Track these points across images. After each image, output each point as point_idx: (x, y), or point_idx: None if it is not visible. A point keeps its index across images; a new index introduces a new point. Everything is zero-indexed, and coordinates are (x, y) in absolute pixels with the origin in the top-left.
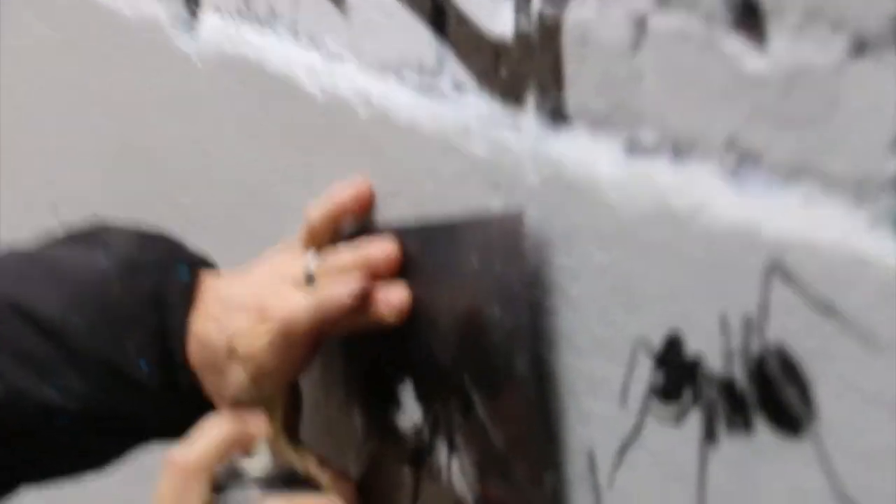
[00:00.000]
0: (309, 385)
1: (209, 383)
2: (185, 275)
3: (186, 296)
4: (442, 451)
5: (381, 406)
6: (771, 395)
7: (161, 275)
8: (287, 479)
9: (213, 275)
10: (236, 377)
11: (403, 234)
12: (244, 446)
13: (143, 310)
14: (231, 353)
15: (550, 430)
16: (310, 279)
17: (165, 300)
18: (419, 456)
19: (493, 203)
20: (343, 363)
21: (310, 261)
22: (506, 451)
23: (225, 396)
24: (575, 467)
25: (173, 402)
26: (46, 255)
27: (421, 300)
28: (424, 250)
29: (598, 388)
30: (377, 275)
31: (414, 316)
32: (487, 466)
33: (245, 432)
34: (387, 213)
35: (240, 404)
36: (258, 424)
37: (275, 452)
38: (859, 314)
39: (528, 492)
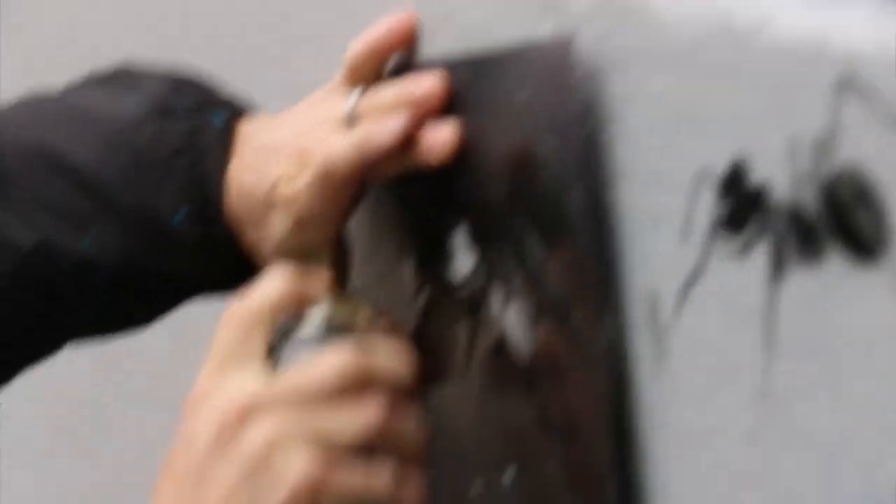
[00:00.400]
0: (358, 237)
1: (249, 236)
2: (220, 121)
3: (223, 143)
4: (496, 300)
5: (433, 256)
6: (843, 221)
7: (196, 120)
8: (349, 329)
9: (251, 121)
10: (277, 226)
11: (450, 69)
12: (307, 299)
13: (177, 158)
14: (271, 201)
15: (609, 272)
16: (351, 120)
17: (201, 147)
18: (473, 306)
19: (541, 29)
20: (393, 212)
21: (351, 100)
22: (562, 296)
23: (266, 249)
24: (635, 311)
25: (211, 256)
26: (76, 101)
27: (469, 138)
28: (472, 85)
29: (659, 224)
30: (423, 112)
31: (462, 156)
32: (543, 314)
33: (306, 288)
34: (432, 46)
35: (282, 257)
36: (320, 281)
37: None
38: None
39: (586, 338)
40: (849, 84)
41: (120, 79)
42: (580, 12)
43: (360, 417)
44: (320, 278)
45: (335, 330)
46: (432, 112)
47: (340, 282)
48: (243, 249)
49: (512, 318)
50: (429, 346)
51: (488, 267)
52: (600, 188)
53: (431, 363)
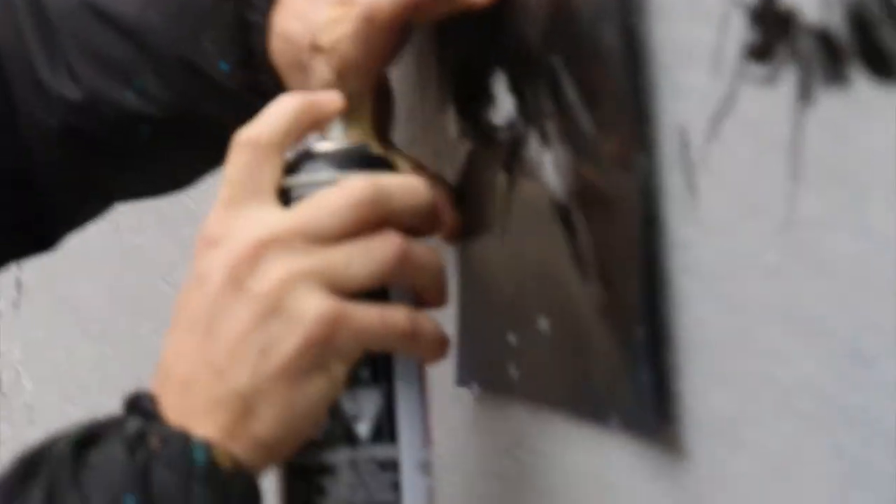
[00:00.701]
0: (402, 90)
1: (294, 83)
2: None
3: None
4: (534, 144)
5: (475, 103)
6: (869, 40)
7: None
8: (365, 160)
9: None
10: (320, 72)
11: None
12: (318, 124)
13: (221, 4)
14: (315, 46)
15: (642, 107)
16: None
17: None
18: (513, 153)
19: None
20: (436, 62)
21: None
22: (597, 134)
23: None
24: (666, 147)
25: (256, 105)
26: None
27: None
28: None
29: (690, 56)
30: None
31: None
32: (580, 154)
33: (318, 109)
34: None
35: None
36: (332, 100)
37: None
38: None
39: (619, 176)
40: None
41: None
42: None
43: (376, 254)
44: (337, 97)
45: (359, 154)
46: None
47: (384, 133)
48: None
49: (549, 162)
50: (471, 195)
51: (526, 111)
52: (634, 22)
53: (473, 213)
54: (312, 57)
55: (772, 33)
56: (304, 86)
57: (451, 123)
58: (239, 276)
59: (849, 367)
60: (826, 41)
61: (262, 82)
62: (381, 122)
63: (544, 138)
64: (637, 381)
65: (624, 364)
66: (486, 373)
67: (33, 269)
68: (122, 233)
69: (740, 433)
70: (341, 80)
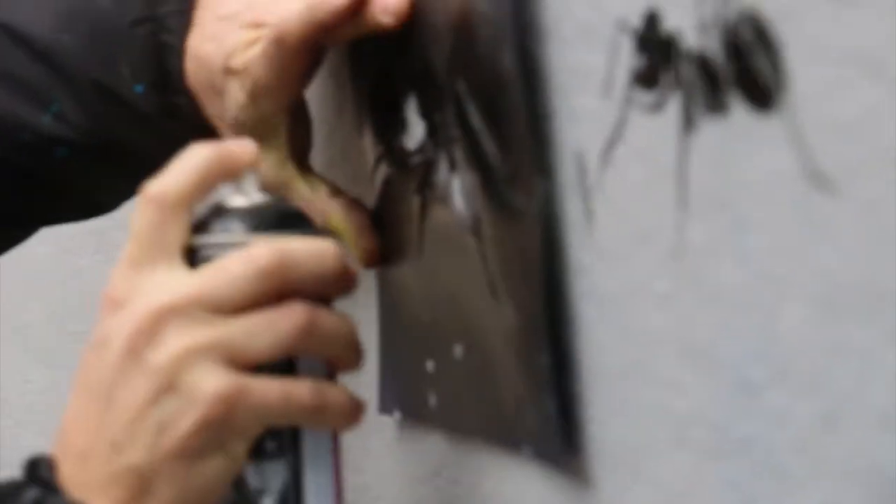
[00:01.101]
0: (322, 111)
1: (210, 107)
2: None
3: (182, 11)
4: (444, 169)
5: (390, 127)
6: (744, 67)
7: None
8: (280, 216)
9: None
10: (234, 95)
11: None
12: (229, 176)
13: (136, 27)
14: (228, 69)
15: (540, 132)
16: None
17: (160, 15)
18: (425, 178)
19: None
20: (352, 84)
21: None
22: (500, 158)
23: (226, 119)
24: (565, 172)
25: (173, 129)
26: None
27: (417, 1)
28: None
29: (584, 80)
30: None
31: (413, 19)
32: (485, 179)
33: (229, 161)
34: None
35: (242, 128)
36: (245, 150)
37: (278, 181)
38: None
39: (521, 201)
40: None
41: None
42: None
43: (280, 326)
44: (250, 147)
45: (274, 211)
46: None
47: (302, 156)
48: (208, 123)
49: (457, 186)
50: (388, 220)
51: (436, 135)
52: (530, 46)
53: (391, 238)
54: (225, 78)
55: (656, 59)
56: (220, 108)
57: (368, 147)
58: (137, 346)
59: (738, 397)
60: (705, 68)
61: (178, 105)
62: (298, 145)
63: (452, 163)
64: (543, 410)
65: (531, 391)
66: (407, 400)
67: None
68: (67, 255)
69: (641, 463)
70: (254, 102)
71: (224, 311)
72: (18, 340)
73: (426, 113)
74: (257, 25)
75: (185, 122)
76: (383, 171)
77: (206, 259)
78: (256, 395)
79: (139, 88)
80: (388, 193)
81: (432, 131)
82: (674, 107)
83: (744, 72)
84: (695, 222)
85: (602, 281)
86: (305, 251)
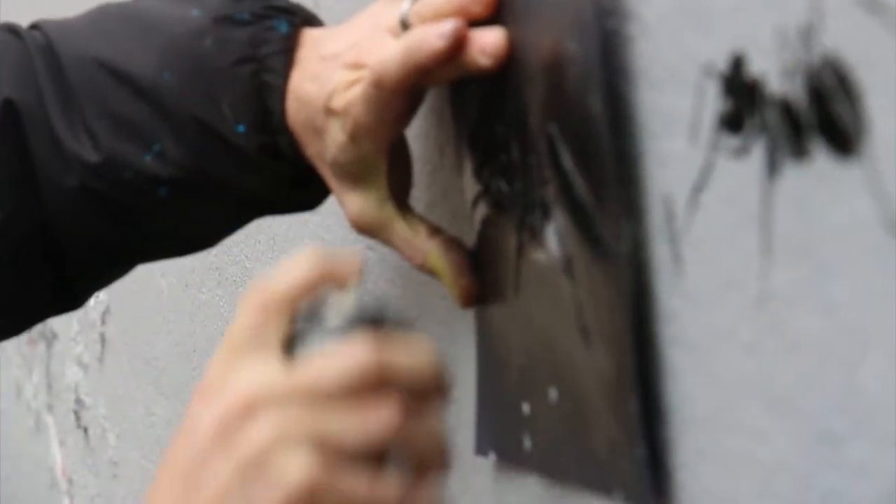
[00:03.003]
0: (425, 151)
1: (310, 146)
2: (283, 28)
3: (285, 51)
4: (539, 212)
5: (488, 166)
6: (826, 112)
7: (258, 28)
8: (381, 315)
9: (315, 30)
10: (334, 136)
11: None
12: (333, 285)
13: (238, 66)
14: (329, 110)
15: (629, 175)
16: (405, 24)
17: (262, 55)
18: (521, 219)
19: None
20: (453, 121)
21: (405, 5)
22: (591, 201)
23: (325, 159)
24: (653, 216)
25: (274, 168)
26: (137, 12)
27: (514, 43)
28: None
29: (671, 123)
30: (472, 17)
31: (509, 62)
32: (577, 221)
33: (335, 272)
34: None
35: (342, 168)
36: (351, 263)
37: (377, 220)
38: None
39: (611, 245)
40: None
41: None
42: None
43: (373, 421)
44: (351, 263)
45: (368, 316)
46: (484, 16)
47: (401, 197)
48: (309, 162)
49: (551, 229)
50: (486, 261)
51: (531, 177)
52: (619, 88)
53: (488, 279)
54: (326, 119)
55: (741, 103)
56: (320, 148)
57: (467, 186)
58: (227, 430)
59: (820, 448)
60: (789, 113)
61: (279, 144)
62: (397, 185)
63: (546, 204)
64: (634, 455)
65: (622, 437)
66: (503, 442)
67: (116, 323)
68: (189, 290)
69: None
70: (354, 142)
71: (319, 401)
72: (147, 373)
73: (522, 153)
74: (358, 66)
75: (285, 160)
76: (482, 210)
77: (304, 354)
78: (343, 488)
79: (241, 128)
80: (486, 233)
81: (528, 172)
82: (758, 151)
83: (826, 117)
84: (779, 269)
85: (690, 327)
86: (404, 349)
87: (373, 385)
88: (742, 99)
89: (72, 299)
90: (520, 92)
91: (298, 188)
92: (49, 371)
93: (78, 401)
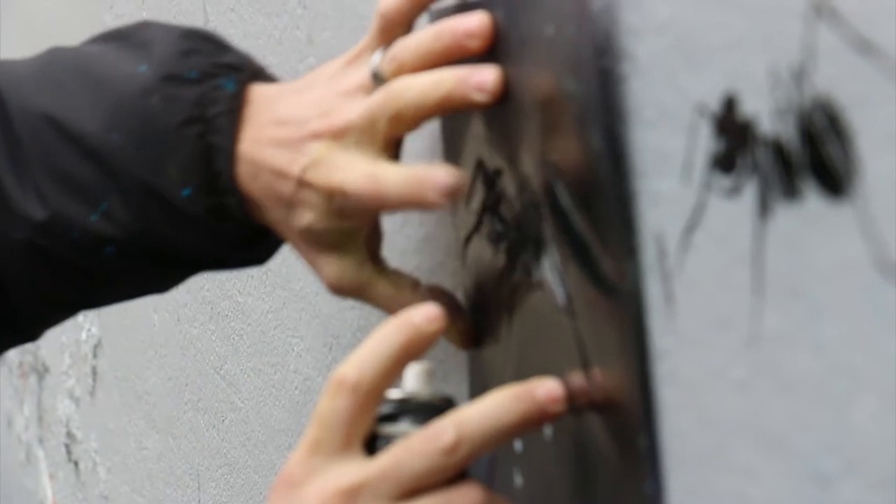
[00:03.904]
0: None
1: (270, 212)
2: (231, 86)
3: (231, 111)
4: (534, 249)
5: (481, 204)
6: (816, 154)
7: (205, 88)
8: (447, 406)
9: (266, 87)
10: (311, 207)
11: (483, 4)
12: (421, 354)
13: (185, 128)
14: (304, 182)
15: (624, 213)
16: (378, 78)
17: (209, 116)
18: (516, 257)
19: None
20: (446, 156)
21: (375, 59)
22: (589, 240)
23: (295, 227)
24: (647, 255)
25: (222, 230)
26: (87, 64)
27: (509, 78)
28: (504, 23)
29: (664, 162)
30: (468, 54)
31: (504, 98)
32: (576, 260)
33: (420, 338)
34: None
35: (317, 236)
36: (433, 321)
37: (359, 284)
38: None
39: (610, 282)
40: (821, 8)
41: (133, 40)
42: None
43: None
44: (435, 321)
45: (435, 403)
46: (480, 49)
47: (376, 253)
48: (262, 221)
49: (548, 266)
50: (480, 300)
51: (526, 214)
52: (616, 127)
53: (483, 318)
54: (300, 190)
55: (733, 143)
56: (284, 215)
57: (460, 224)
58: None
59: (811, 488)
60: (781, 153)
61: (227, 206)
62: (373, 244)
63: (543, 241)
64: (643, 491)
65: (629, 474)
66: (493, 478)
67: (108, 357)
68: (181, 324)
69: None
70: (339, 217)
71: (405, 491)
72: (138, 407)
73: (518, 190)
74: (335, 135)
75: (233, 222)
76: (475, 247)
77: (385, 447)
78: None
79: (186, 191)
80: (479, 271)
81: (524, 209)
82: (750, 191)
83: (817, 158)
84: (771, 309)
85: (682, 365)
86: (486, 424)
87: (457, 466)
88: (734, 139)
89: (27, 337)
90: (514, 128)
91: (248, 246)
92: (41, 404)
93: (69, 434)
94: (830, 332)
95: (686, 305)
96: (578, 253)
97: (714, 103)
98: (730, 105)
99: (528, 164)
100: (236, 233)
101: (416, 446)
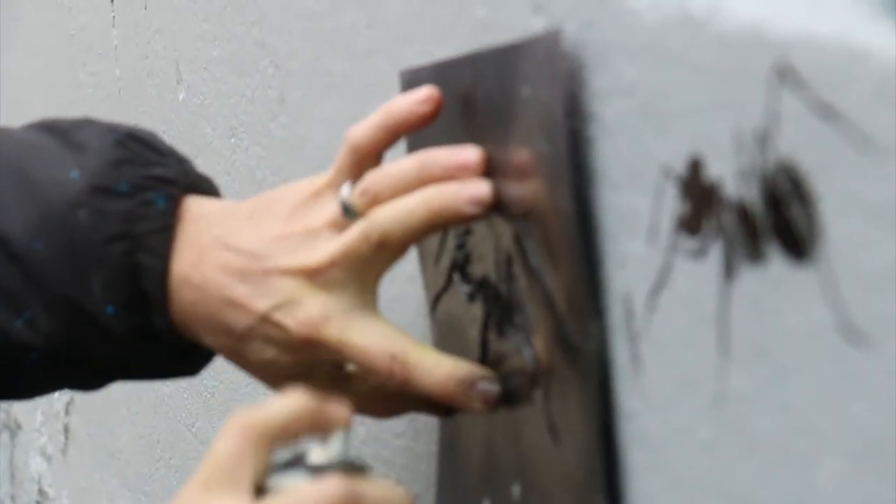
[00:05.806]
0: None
1: (210, 338)
2: (160, 202)
3: (163, 229)
4: (505, 307)
5: (451, 263)
6: (781, 216)
7: (135, 203)
8: (348, 467)
9: (203, 201)
10: (274, 343)
11: (455, 67)
12: (317, 431)
13: (111, 244)
14: (271, 321)
15: (592, 274)
16: (350, 212)
17: (138, 233)
18: (488, 315)
19: (535, 26)
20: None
21: (344, 191)
22: (559, 298)
23: (251, 358)
24: (614, 316)
25: (147, 347)
26: (21, 156)
27: (486, 140)
28: (477, 86)
29: (631, 224)
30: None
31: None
32: (545, 319)
33: (324, 419)
34: (436, 52)
35: (278, 368)
36: (341, 416)
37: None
38: (858, 114)
39: (577, 344)
40: (783, 70)
41: (71, 139)
42: (567, 7)
43: None
44: (342, 415)
45: (343, 463)
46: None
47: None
48: (196, 341)
49: (518, 325)
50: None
51: (497, 272)
52: (584, 188)
53: None
54: (263, 326)
55: (699, 206)
56: (228, 343)
57: (430, 282)
58: None
59: None
60: (745, 216)
61: (157, 325)
62: (337, 372)
63: (512, 301)
64: None
65: None
66: None
67: (80, 414)
68: (153, 382)
69: None
70: (309, 353)
71: None
72: (110, 465)
73: (489, 248)
74: (310, 275)
75: (160, 340)
76: (444, 306)
77: (277, 489)
78: None
79: (110, 309)
80: (448, 330)
81: (496, 267)
82: (716, 254)
83: (781, 222)
84: (736, 370)
85: (648, 426)
86: (377, 493)
87: None
88: (700, 202)
89: None
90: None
91: (178, 362)
92: (12, 461)
93: (41, 492)
94: (795, 393)
95: (653, 366)
96: (547, 312)
97: (680, 166)
98: (695, 168)
99: (500, 224)
100: (163, 351)
101: (302, 495)
